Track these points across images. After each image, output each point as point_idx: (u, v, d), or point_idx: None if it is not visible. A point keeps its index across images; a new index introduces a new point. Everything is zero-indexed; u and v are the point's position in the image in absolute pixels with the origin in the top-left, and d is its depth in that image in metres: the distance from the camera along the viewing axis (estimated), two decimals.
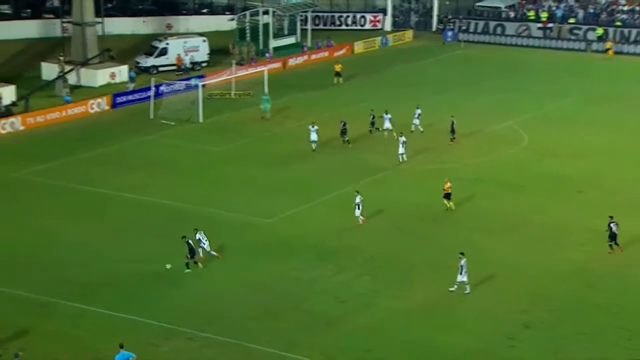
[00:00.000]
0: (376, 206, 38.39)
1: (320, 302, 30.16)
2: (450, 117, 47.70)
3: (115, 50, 61.65)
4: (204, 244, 32.83)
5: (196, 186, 40.56)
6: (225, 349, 27.14)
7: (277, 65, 65.40)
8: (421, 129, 48.29)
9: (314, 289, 31.15)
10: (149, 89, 54.37)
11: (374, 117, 47.99)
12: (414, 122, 48.25)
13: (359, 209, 36.14)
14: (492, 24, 77.20)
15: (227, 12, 76.27)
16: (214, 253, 33.10)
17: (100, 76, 58.98)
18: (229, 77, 56.97)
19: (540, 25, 75.32)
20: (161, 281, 31.47)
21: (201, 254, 32.78)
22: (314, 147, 45.23)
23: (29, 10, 72.38)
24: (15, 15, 71.01)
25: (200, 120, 51.29)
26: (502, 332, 28.45)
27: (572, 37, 74.20)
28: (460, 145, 47.04)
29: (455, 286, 30.55)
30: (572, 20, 75.56)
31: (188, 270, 31.99)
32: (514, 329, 28.60)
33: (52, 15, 70.77)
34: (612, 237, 33.63)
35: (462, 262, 30.36)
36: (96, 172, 42.28)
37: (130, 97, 55.20)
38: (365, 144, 46.66)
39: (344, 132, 45.99)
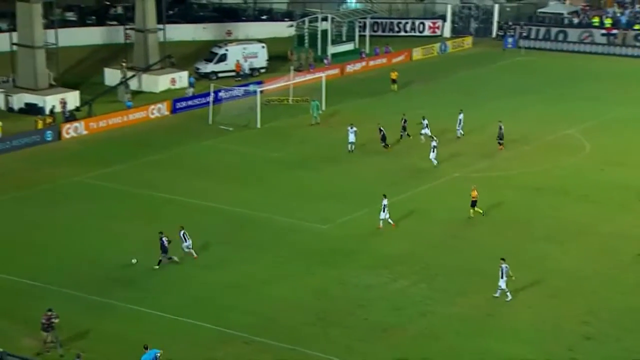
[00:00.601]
0: (433, 213, 38.26)
1: (377, 309, 30.16)
2: (498, 122, 47.46)
3: (175, 57, 62.63)
4: (186, 243, 33.40)
5: (254, 191, 40.94)
6: (280, 355, 27.33)
7: (335, 71, 65.61)
8: (459, 134, 48.32)
9: (370, 295, 31.18)
10: (208, 94, 55.03)
11: (405, 122, 48.03)
12: (458, 129, 48.31)
13: (384, 212, 36.14)
14: (553, 30, 76.22)
15: (286, 19, 76.81)
16: (194, 254, 33.51)
17: (161, 82, 60.03)
18: (287, 83, 57.34)
19: (604, 31, 74.13)
20: (218, 285, 31.84)
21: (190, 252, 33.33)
22: (350, 149, 45.76)
23: (93, 17, 74.16)
24: (81, 22, 72.79)
25: (258, 125, 51.70)
26: (562, 343, 28.04)
27: (638, 44, 72.87)
28: (521, 153, 46.58)
29: (499, 292, 30.27)
30: (637, 27, 74.21)
31: (156, 267, 32.56)
32: (574, 340, 28.16)
33: (115, 22, 72.32)
34: None
35: (503, 266, 30.05)
36: (157, 176, 42.95)
37: (189, 103, 55.98)
38: (415, 151, 46.52)
39: (383, 138, 46.41)
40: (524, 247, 34.72)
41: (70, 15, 74.06)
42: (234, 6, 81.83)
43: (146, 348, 25.56)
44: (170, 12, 72.22)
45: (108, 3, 77.08)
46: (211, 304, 30.42)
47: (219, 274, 32.70)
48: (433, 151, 43.54)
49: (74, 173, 43.30)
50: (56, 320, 27.22)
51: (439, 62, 71.14)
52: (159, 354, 25.26)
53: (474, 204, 37.78)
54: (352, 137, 45.87)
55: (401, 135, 48.03)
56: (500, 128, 47.12)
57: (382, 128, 46.63)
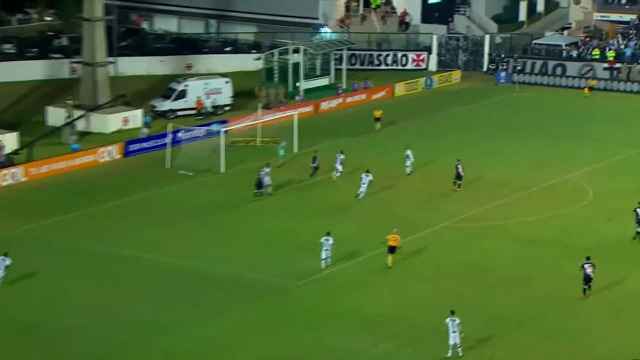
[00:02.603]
0: (423, 267, 38.51)
1: None
2: (457, 161, 48.44)
3: (129, 93, 62.86)
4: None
5: (218, 244, 40.89)
6: None
7: (309, 109, 66.12)
8: (409, 172, 50.39)
9: None
10: (165, 135, 55.11)
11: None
12: (408, 167, 50.39)
13: (325, 251, 37.61)
14: (551, 64, 77.68)
15: (253, 51, 77.44)
16: None
17: (112, 122, 60.10)
18: (255, 122, 57.67)
19: (606, 65, 75.67)
20: (173, 352, 31.70)
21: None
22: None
23: (35, 50, 74.22)
24: (20, 56, 72.84)
25: (222, 170, 51.87)
26: None
27: None
28: (516, 200, 47.16)
29: (450, 352, 30.51)
30: None
31: None
32: None
33: (60, 55, 72.53)
34: None
35: (449, 321, 30.66)
36: (106, 227, 42.80)
37: (144, 145, 56.11)
38: (399, 197, 46.94)
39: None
40: (521, 307, 34.97)
41: (9, 48, 74.19)
42: (195, 37, 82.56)
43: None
44: (123, 43, 72.65)
45: (52, 34, 77.34)
46: None
47: (175, 339, 32.54)
48: (366, 185, 45.71)
49: (11, 226, 42.93)
50: None
51: (425, 99, 71.98)
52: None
53: (392, 250, 38.10)
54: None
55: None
56: (458, 168, 48.24)
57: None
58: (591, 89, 72.63)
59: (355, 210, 45.41)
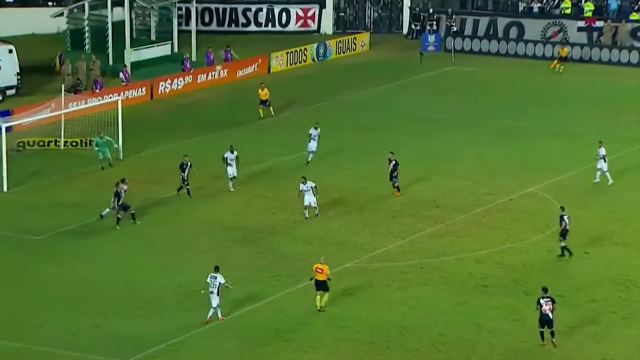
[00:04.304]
0: (319, 330, 38.60)
1: None
2: (390, 153, 50.45)
3: None
4: None
5: None
6: None
7: (141, 92, 65.93)
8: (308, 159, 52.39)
9: None
10: None
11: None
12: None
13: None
14: (501, 22, 79.09)
15: (50, 3, 76.69)
16: None
17: None
18: (55, 114, 57.03)
19: (582, 24, 77.39)
20: None
21: None
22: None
23: None
24: None
25: (5, 189, 51.23)
26: None
27: (636, 44, 76.28)
28: (453, 226, 47.69)
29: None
30: (635, 17, 77.70)
31: None
32: None
33: None
34: None
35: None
36: None
37: None
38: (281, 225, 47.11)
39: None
40: None
41: None
42: None
43: None
44: None
45: None
46: None
47: None
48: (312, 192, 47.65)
49: None
50: None
51: (316, 76, 72.47)
52: None
53: (321, 285, 39.75)
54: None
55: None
56: (391, 162, 50.01)
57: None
58: (562, 59, 73.77)
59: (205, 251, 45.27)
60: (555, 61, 73.53)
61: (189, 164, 49.90)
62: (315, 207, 48.18)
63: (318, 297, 39.84)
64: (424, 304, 40.95)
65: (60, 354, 36.73)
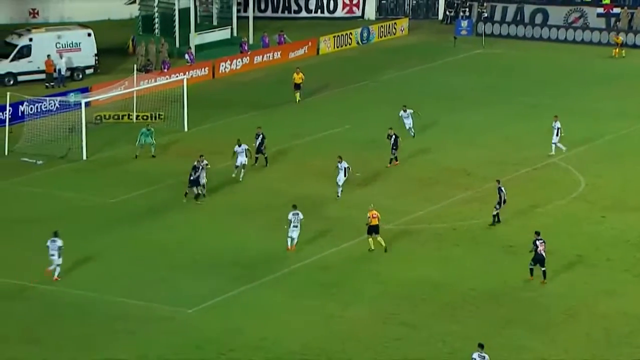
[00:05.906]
0: (359, 285, 38.66)
1: None
2: (389, 129, 50.56)
3: None
4: None
5: (75, 259, 40.44)
6: None
7: (204, 72, 66.04)
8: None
9: None
10: (2, 108, 54.56)
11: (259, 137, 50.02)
12: None
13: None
14: (528, 9, 78.75)
15: None
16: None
17: None
18: (128, 90, 57.25)
19: (601, 10, 76.97)
20: None
21: None
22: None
23: None
24: None
25: (84, 157, 51.53)
26: None
27: None
28: (485, 193, 47.61)
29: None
30: None
31: None
32: None
33: None
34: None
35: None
36: None
37: None
38: (327, 192, 47.12)
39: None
40: (492, 334, 35.36)
41: None
42: None
43: None
44: None
45: None
46: None
47: None
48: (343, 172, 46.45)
49: None
50: None
51: (360, 58, 72.29)
52: None
53: (373, 229, 40.72)
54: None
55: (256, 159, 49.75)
56: (390, 137, 49.88)
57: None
58: (621, 45, 72.36)
59: (259, 215, 45.36)
60: (616, 49, 72.66)
61: (262, 135, 49.56)
62: (340, 187, 46.61)
63: (371, 240, 40.86)
64: (455, 263, 41.14)
65: (131, 304, 37.15)
